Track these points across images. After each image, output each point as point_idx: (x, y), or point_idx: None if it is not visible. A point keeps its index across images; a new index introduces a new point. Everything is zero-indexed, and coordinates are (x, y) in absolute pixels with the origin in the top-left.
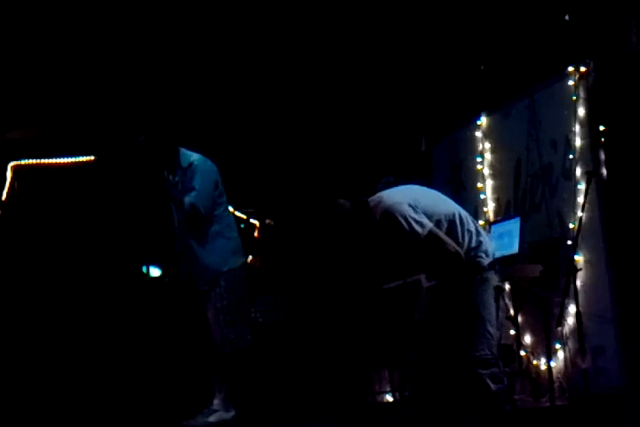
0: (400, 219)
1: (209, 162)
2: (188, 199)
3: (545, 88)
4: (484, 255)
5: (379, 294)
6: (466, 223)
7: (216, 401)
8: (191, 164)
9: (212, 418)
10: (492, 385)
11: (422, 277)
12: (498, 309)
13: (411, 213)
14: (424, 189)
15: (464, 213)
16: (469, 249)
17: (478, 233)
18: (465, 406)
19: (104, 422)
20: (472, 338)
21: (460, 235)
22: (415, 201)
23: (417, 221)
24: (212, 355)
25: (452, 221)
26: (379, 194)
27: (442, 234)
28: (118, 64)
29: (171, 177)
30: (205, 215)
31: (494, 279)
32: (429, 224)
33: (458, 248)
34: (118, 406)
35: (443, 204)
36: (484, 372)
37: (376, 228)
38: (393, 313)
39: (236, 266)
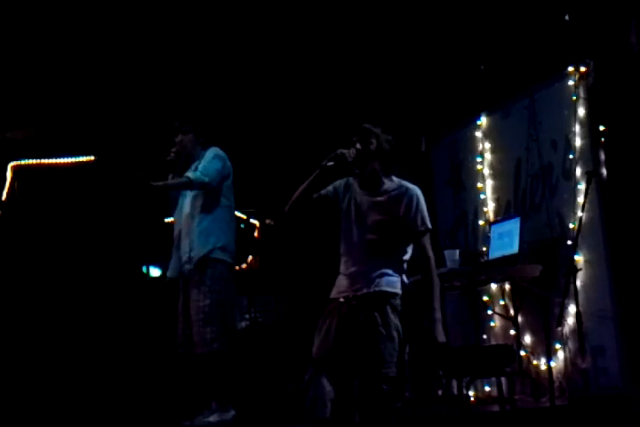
0: (422, 202)
1: (224, 152)
2: (196, 171)
3: (545, 88)
4: (402, 285)
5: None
6: None
7: (215, 402)
8: (208, 149)
9: (212, 418)
10: (394, 401)
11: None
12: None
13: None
14: None
15: None
16: (398, 275)
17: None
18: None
19: (104, 423)
20: (382, 357)
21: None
22: None
23: (427, 217)
24: (192, 353)
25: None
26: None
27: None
28: (118, 63)
29: (189, 170)
30: (212, 186)
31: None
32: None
33: (434, 270)
34: (118, 406)
35: None
36: (389, 388)
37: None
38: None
39: (222, 259)
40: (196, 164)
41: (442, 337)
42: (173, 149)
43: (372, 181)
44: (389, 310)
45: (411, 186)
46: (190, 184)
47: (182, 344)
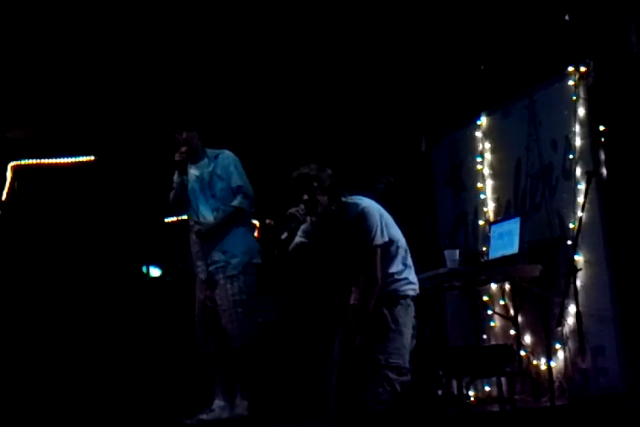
0: (372, 221)
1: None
2: (240, 197)
3: (545, 88)
4: (413, 287)
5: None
6: (408, 257)
7: (239, 394)
8: (219, 155)
9: (237, 410)
10: (399, 388)
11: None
12: (413, 337)
13: (380, 222)
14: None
15: (406, 247)
16: (403, 278)
17: (411, 268)
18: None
19: (105, 423)
20: (388, 347)
21: (400, 263)
22: (382, 215)
23: (381, 231)
24: (222, 349)
25: (400, 250)
26: (352, 197)
27: (379, 258)
28: (118, 63)
29: (195, 168)
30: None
31: (413, 311)
32: (383, 241)
33: (379, 279)
34: (119, 406)
35: (397, 230)
36: (395, 377)
37: (339, 226)
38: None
39: (258, 262)
40: (206, 167)
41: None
42: (183, 149)
43: (328, 216)
44: (399, 308)
45: (352, 206)
46: (244, 212)
47: (204, 344)
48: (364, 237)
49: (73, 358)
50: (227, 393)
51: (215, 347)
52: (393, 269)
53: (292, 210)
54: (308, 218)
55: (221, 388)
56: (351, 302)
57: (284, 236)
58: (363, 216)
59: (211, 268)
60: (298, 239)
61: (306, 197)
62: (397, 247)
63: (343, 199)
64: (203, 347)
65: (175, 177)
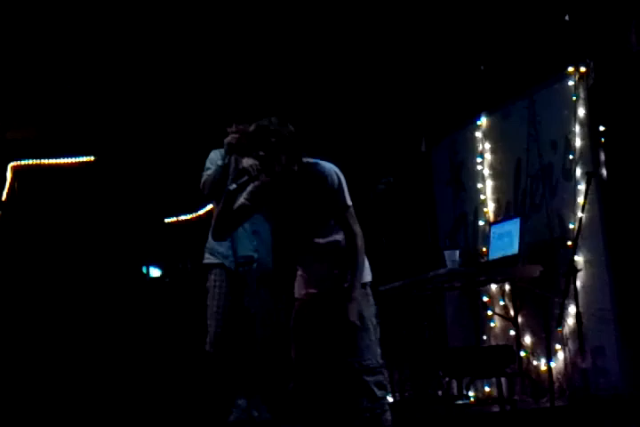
0: (341, 180)
1: None
2: None
3: (545, 88)
4: (368, 272)
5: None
6: None
7: (259, 396)
8: None
9: (255, 413)
10: (378, 391)
11: (297, 283)
12: (378, 325)
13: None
14: None
15: None
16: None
17: None
18: (352, 414)
19: (104, 423)
20: (357, 348)
21: None
22: None
23: (348, 193)
24: (250, 353)
25: None
26: (311, 159)
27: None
28: (118, 63)
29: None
30: None
31: (372, 298)
32: (350, 204)
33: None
34: (118, 406)
35: None
36: (370, 379)
37: (300, 188)
38: (392, 313)
39: None
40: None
41: (354, 317)
42: (237, 135)
43: (286, 176)
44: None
45: (321, 167)
46: None
47: (216, 344)
48: (336, 197)
49: (73, 358)
50: (247, 394)
51: (236, 348)
52: None
53: (246, 164)
54: (261, 177)
55: (241, 388)
56: (296, 295)
57: (232, 187)
58: (335, 176)
59: (241, 260)
60: (242, 200)
61: (262, 153)
62: None
63: (304, 160)
64: (217, 346)
65: (217, 161)
